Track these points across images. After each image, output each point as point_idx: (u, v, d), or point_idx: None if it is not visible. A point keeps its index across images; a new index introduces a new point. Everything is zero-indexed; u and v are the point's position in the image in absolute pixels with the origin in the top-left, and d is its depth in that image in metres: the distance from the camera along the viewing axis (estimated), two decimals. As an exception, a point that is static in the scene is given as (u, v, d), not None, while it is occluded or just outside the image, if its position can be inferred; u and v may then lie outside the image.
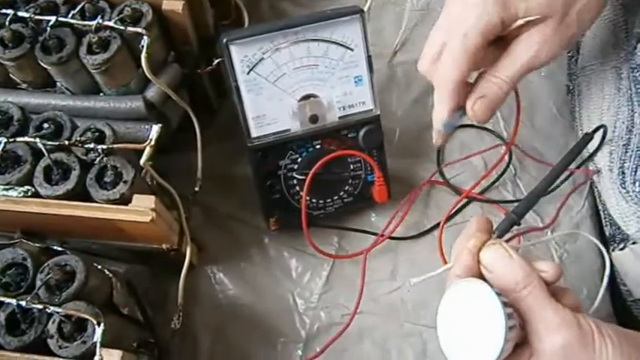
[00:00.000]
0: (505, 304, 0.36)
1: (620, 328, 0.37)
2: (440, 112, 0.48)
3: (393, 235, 0.58)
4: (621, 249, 0.57)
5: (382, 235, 0.58)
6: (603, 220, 0.60)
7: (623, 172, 0.54)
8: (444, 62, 0.46)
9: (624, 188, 0.54)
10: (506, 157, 0.62)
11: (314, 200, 0.57)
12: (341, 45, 0.54)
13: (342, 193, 0.58)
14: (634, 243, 0.55)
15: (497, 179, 0.62)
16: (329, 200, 0.58)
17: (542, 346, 0.36)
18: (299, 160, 0.56)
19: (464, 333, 0.37)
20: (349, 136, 0.56)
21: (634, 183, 0.52)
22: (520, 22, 0.44)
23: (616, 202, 0.55)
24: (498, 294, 0.36)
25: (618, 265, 0.57)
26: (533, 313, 0.36)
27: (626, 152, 0.54)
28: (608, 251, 0.57)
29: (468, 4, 0.44)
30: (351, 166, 0.57)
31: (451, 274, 0.40)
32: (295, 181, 0.56)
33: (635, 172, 0.52)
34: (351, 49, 0.54)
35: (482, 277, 0.39)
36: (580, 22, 0.45)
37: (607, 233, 0.59)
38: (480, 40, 0.44)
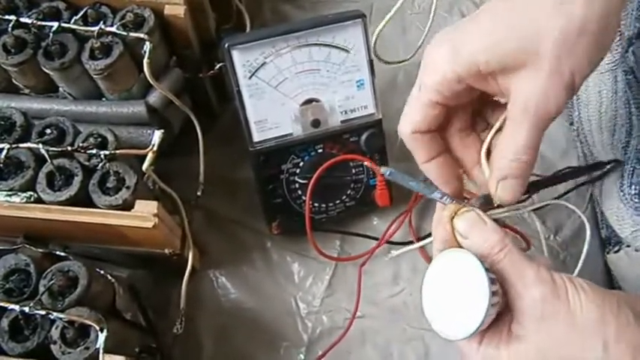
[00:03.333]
0: (487, 270, 0.36)
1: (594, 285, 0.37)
2: (420, 167, 0.43)
3: (394, 240, 0.58)
4: (616, 251, 0.57)
5: (380, 243, 0.58)
6: (600, 223, 0.60)
7: (621, 175, 0.54)
8: (404, 112, 0.41)
9: (622, 191, 0.54)
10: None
11: (316, 204, 0.57)
12: (343, 49, 0.54)
13: (344, 197, 0.58)
14: (628, 246, 0.55)
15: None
16: (331, 204, 0.58)
17: (521, 303, 0.36)
18: (301, 164, 0.56)
19: (448, 301, 0.38)
20: (351, 140, 0.56)
21: (630, 186, 0.53)
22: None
23: (614, 205, 0.55)
24: (480, 261, 0.36)
25: (613, 267, 0.58)
26: (511, 272, 0.37)
27: (625, 154, 0.54)
28: (603, 254, 0.58)
29: (430, 56, 0.39)
30: (353, 170, 0.57)
31: (434, 250, 0.41)
32: (297, 186, 0.56)
33: (632, 174, 0.53)
34: (353, 54, 0.54)
35: (460, 247, 0.39)
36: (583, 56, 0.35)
37: (603, 235, 0.59)
38: (434, 95, 0.39)
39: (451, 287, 0.38)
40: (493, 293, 0.36)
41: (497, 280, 0.37)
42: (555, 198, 0.58)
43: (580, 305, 0.35)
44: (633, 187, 0.52)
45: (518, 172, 0.38)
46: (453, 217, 0.40)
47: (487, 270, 0.36)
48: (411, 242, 0.59)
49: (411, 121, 0.40)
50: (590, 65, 0.36)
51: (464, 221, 0.39)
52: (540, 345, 0.36)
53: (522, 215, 0.61)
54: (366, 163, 0.55)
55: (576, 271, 0.51)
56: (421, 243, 0.51)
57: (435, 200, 0.41)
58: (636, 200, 0.52)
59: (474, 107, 0.42)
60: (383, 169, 0.41)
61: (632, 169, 0.52)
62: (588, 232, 0.49)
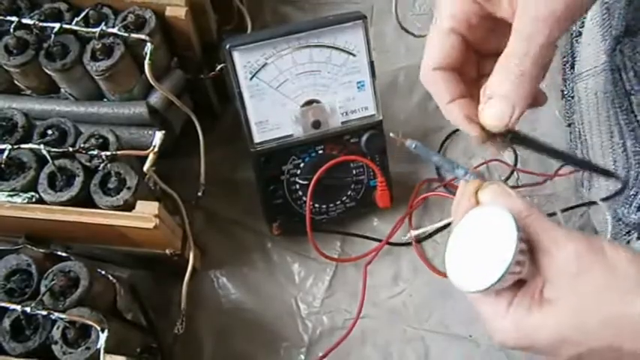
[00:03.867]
0: (518, 228, 0.35)
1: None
2: (442, 109, 0.41)
3: (395, 240, 0.58)
4: None
5: (381, 245, 0.58)
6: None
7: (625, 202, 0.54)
8: (424, 55, 0.41)
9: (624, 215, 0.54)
10: (510, 163, 0.62)
11: (317, 205, 0.57)
12: (343, 51, 0.54)
13: (344, 198, 0.58)
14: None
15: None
16: (331, 205, 0.58)
17: (554, 261, 0.35)
18: (302, 165, 0.56)
19: (473, 254, 0.37)
20: (352, 141, 0.56)
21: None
22: None
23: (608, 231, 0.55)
24: (513, 215, 0.35)
25: None
26: (540, 234, 0.36)
27: (627, 159, 0.54)
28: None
29: None
30: (354, 171, 0.57)
31: (453, 223, 0.40)
32: (298, 186, 0.56)
33: (636, 179, 0.52)
34: (354, 55, 0.54)
35: None
36: None
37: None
38: (449, 21, 0.39)
39: (478, 241, 0.37)
40: (520, 251, 0.35)
41: (527, 246, 0.36)
42: (563, 210, 0.59)
43: (619, 259, 0.34)
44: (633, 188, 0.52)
45: (508, 91, 0.36)
46: (477, 192, 0.39)
47: (518, 227, 0.35)
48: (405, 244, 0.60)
49: (431, 57, 0.39)
50: None
51: (489, 193, 0.38)
52: (576, 305, 0.34)
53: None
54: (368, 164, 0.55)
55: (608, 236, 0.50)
56: (443, 222, 0.52)
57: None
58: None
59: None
60: (409, 142, 0.40)
61: (634, 193, 0.51)
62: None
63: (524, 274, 0.36)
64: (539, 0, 0.35)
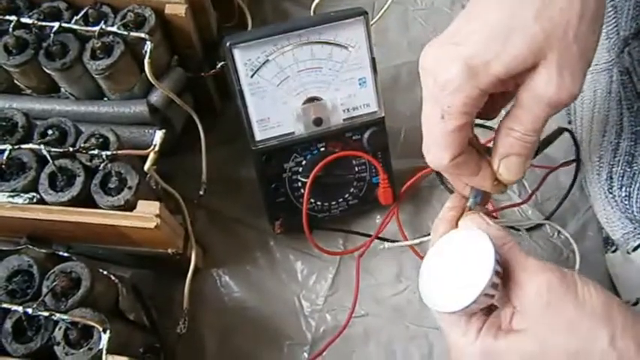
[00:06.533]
0: (496, 252, 0.36)
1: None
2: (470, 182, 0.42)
3: (391, 238, 0.58)
4: (613, 251, 0.57)
5: (375, 236, 0.57)
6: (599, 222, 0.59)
7: (611, 177, 0.54)
8: (430, 145, 0.40)
9: (611, 193, 0.54)
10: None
11: (319, 203, 0.57)
12: (345, 47, 0.53)
13: (346, 196, 0.58)
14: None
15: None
16: (334, 203, 0.58)
17: (525, 292, 0.36)
18: (303, 162, 0.55)
19: (448, 275, 0.38)
20: (354, 138, 0.56)
21: (620, 188, 0.52)
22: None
23: (602, 207, 0.55)
24: (491, 238, 0.37)
25: (610, 267, 0.57)
26: (514, 264, 0.37)
27: (615, 157, 0.54)
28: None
29: (443, 78, 0.37)
30: (356, 169, 0.57)
31: (430, 245, 0.42)
32: (300, 184, 0.56)
33: (623, 176, 0.52)
34: (355, 51, 0.54)
35: None
36: (585, 43, 0.36)
37: (604, 234, 0.59)
38: (463, 118, 0.38)
39: (454, 262, 0.38)
40: (496, 272, 0.35)
41: (502, 271, 0.37)
42: (546, 217, 0.59)
43: (589, 295, 0.35)
44: (624, 189, 0.52)
45: (523, 150, 0.39)
46: (458, 219, 0.41)
47: (496, 250, 0.36)
48: (393, 241, 0.59)
49: (446, 151, 0.39)
50: (594, 45, 0.36)
51: (468, 222, 0.40)
52: (542, 335, 0.35)
53: (526, 212, 0.60)
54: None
55: (576, 267, 0.51)
56: (419, 240, 0.55)
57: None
58: (626, 202, 0.52)
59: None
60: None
61: (622, 171, 0.52)
62: (595, 232, 0.49)
63: (497, 298, 0.37)
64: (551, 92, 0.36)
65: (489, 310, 0.38)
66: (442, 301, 0.37)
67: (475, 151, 0.41)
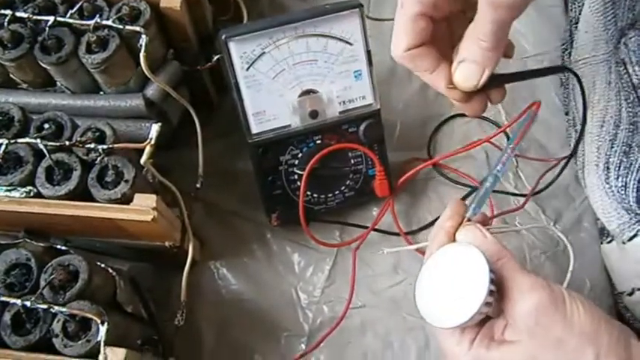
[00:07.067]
0: (490, 270, 0.37)
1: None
2: (427, 81, 0.44)
3: (387, 229, 0.59)
4: (609, 242, 0.57)
5: (367, 230, 0.58)
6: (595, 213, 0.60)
7: (607, 168, 0.54)
8: (393, 36, 0.42)
9: (608, 183, 0.54)
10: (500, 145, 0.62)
11: (315, 195, 0.57)
12: (340, 40, 0.53)
13: (343, 188, 0.58)
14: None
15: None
16: (330, 195, 0.58)
17: (516, 309, 0.37)
18: (300, 155, 0.56)
19: (444, 291, 0.39)
20: (350, 130, 0.56)
21: (617, 178, 0.53)
22: None
23: (599, 198, 0.55)
24: (485, 256, 0.38)
25: (606, 258, 0.58)
26: (507, 280, 0.38)
27: (612, 147, 0.54)
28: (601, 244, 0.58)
29: None
30: (352, 161, 0.57)
31: (427, 254, 0.42)
32: (296, 177, 0.56)
33: (619, 167, 0.53)
34: (351, 44, 0.54)
35: None
36: None
37: (599, 226, 0.59)
38: (416, 6, 0.40)
39: (450, 277, 0.39)
40: (490, 291, 0.37)
41: (496, 288, 0.38)
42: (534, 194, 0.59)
43: (577, 314, 0.37)
44: (620, 179, 0.52)
45: (477, 57, 0.39)
46: (456, 229, 0.41)
47: (491, 270, 0.37)
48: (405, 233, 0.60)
49: (402, 40, 0.41)
50: None
51: (466, 233, 0.41)
52: (532, 350, 0.37)
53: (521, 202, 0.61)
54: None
55: (571, 260, 0.51)
56: (416, 245, 0.55)
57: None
58: (622, 192, 0.52)
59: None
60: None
61: (619, 161, 0.52)
62: (591, 224, 0.49)
63: (490, 312, 0.39)
64: None
65: (483, 321, 0.40)
66: (437, 315, 0.39)
67: (436, 50, 0.42)
